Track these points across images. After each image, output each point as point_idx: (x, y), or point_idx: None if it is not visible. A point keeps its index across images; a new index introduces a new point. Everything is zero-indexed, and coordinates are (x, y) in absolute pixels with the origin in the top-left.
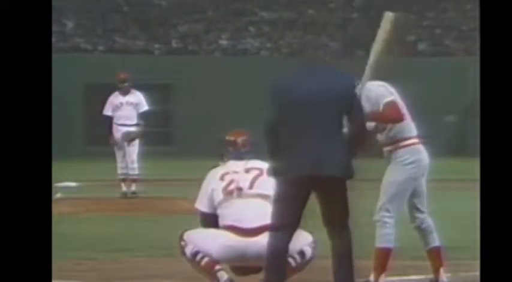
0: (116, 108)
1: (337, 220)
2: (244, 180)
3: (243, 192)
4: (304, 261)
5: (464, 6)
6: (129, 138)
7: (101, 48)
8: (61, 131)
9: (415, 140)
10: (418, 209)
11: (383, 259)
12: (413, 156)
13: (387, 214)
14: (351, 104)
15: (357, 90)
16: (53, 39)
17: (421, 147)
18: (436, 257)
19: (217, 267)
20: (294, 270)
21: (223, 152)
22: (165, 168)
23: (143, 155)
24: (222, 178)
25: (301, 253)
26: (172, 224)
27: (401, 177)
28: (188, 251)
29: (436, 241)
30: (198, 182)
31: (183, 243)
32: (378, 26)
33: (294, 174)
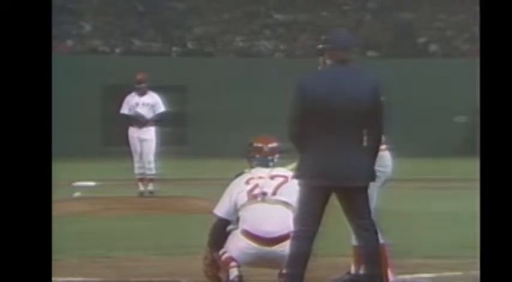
0: (132, 108)
1: (362, 216)
2: (268, 186)
3: (267, 197)
4: None
5: (475, 8)
6: (141, 119)
7: (118, 50)
8: (80, 131)
9: (383, 147)
10: None
11: (383, 255)
12: (380, 162)
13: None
14: (376, 109)
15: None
16: (71, 42)
17: (386, 154)
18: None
19: (233, 264)
20: None
21: (249, 157)
22: (180, 168)
23: (159, 155)
24: (247, 182)
25: None
26: (187, 223)
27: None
28: None
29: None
30: (213, 182)
31: None
32: (389, 27)
33: (319, 184)
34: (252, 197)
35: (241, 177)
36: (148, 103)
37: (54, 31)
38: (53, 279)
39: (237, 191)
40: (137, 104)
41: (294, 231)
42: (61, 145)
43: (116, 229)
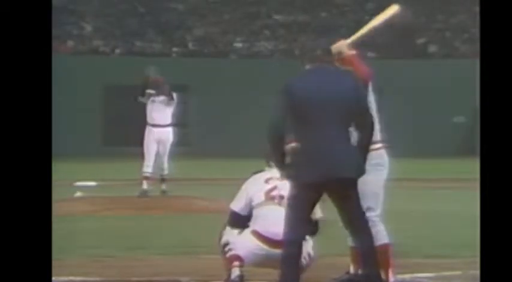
0: (151, 109)
1: (356, 216)
2: (286, 189)
3: (283, 201)
4: (310, 261)
5: (474, 9)
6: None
7: (118, 51)
8: (80, 131)
9: (381, 144)
10: (368, 208)
11: (385, 255)
12: (382, 159)
13: (373, 213)
14: (360, 106)
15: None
16: (72, 42)
17: (384, 152)
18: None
19: (236, 263)
20: (303, 269)
21: (268, 157)
22: (182, 168)
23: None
24: (267, 181)
25: (309, 254)
26: (189, 223)
27: (376, 177)
28: (222, 240)
29: (384, 238)
30: (214, 182)
31: (223, 232)
32: (388, 29)
33: (310, 180)
34: (270, 198)
35: (261, 174)
36: (163, 101)
37: (55, 32)
38: (53, 279)
39: (255, 188)
40: (153, 101)
41: (284, 238)
42: (61, 145)
43: (116, 229)
